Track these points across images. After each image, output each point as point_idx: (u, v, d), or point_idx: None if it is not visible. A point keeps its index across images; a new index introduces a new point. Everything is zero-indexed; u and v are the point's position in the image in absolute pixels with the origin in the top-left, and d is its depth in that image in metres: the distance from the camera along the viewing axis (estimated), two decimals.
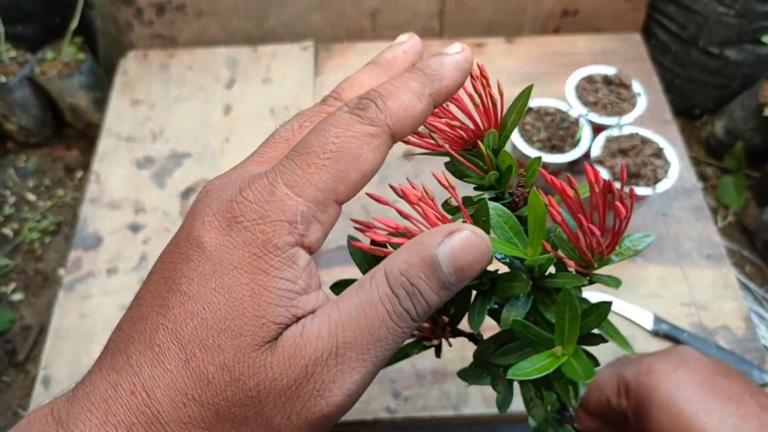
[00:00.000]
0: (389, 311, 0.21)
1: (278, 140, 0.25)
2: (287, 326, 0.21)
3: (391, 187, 0.25)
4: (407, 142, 0.27)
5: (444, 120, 0.28)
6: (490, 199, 0.28)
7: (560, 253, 0.27)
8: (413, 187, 0.25)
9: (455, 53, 0.25)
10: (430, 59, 0.25)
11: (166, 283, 0.22)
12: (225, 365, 0.20)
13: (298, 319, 0.21)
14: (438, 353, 0.30)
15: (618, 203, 0.25)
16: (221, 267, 0.21)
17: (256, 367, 0.20)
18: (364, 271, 0.27)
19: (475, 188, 0.30)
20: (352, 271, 0.71)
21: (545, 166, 0.68)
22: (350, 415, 0.62)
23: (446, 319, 0.28)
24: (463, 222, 0.24)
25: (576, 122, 0.69)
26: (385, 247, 0.24)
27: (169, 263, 0.22)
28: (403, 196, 0.24)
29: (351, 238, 0.27)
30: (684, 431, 0.31)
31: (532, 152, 0.66)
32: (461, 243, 0.21)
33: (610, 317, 0.74)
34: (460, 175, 0.29)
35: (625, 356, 0.42)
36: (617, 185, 0.29)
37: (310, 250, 0.22)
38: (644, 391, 0.34)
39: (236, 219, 0.21)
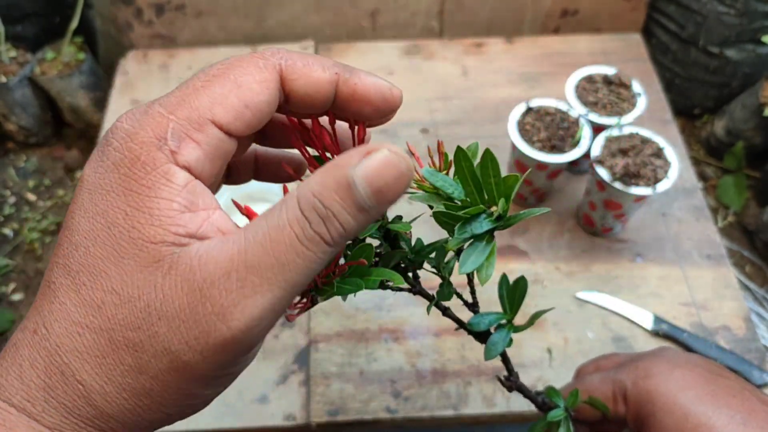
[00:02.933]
0: (298, 234, 0.20)
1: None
2: (176, 245, 0.21)
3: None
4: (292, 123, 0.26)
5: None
6: None
7: None
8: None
9: (388, 84, 0.25)
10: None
11: (61, 227, 0.23)
12: (113, 290, 0.20)
13: (192, 238, 0.21)
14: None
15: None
16: (95, 193, 0.21)
17: (144, 288, 0.20)
18: None
19: None
20: None
21: (545, 166, 0.68)
22: (350, 415, 0.62)
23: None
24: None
25: (576, 122, 0.69)
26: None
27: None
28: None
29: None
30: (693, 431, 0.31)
31: (531, 152, 0.66)
32: (379, 162, 0.20)
33: (610, 317, 0.74)
34: None
35: (609, 357, 0.42)
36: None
37: (189, 171, 0.22)
38: (645, 395, 0.34)
39: (108, 142, 0.22)
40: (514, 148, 0.69)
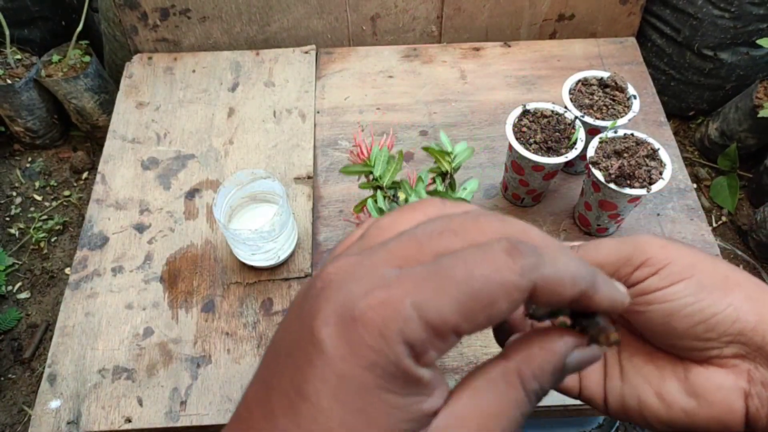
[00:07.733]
0: (519, 413, 0.24)
1: (411, 240, 0.24)
2: None
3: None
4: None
5: None
6: None
7: None
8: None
9: (622, 296, 0.25)
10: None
11: (292, 382, 0.22)
12: None
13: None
14: None
15: None
16: (350, 385, 0.21)
17: None
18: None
19: None
20: None
21: (541, 167, 0.69)
22: None
23: None
24: None
25: (572, 124, 0.71)
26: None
27: (290, 357, 0.22)
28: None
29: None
30: (723, 282, 0.29)
31: (528, 154, 0.68)
32: (590, 358, 0.25)
33: None
34: None
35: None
36: None
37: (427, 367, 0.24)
38: (674, 253, 0.31)
39: (359, 333, 0.21)
40: (511, 149, 0.70)
